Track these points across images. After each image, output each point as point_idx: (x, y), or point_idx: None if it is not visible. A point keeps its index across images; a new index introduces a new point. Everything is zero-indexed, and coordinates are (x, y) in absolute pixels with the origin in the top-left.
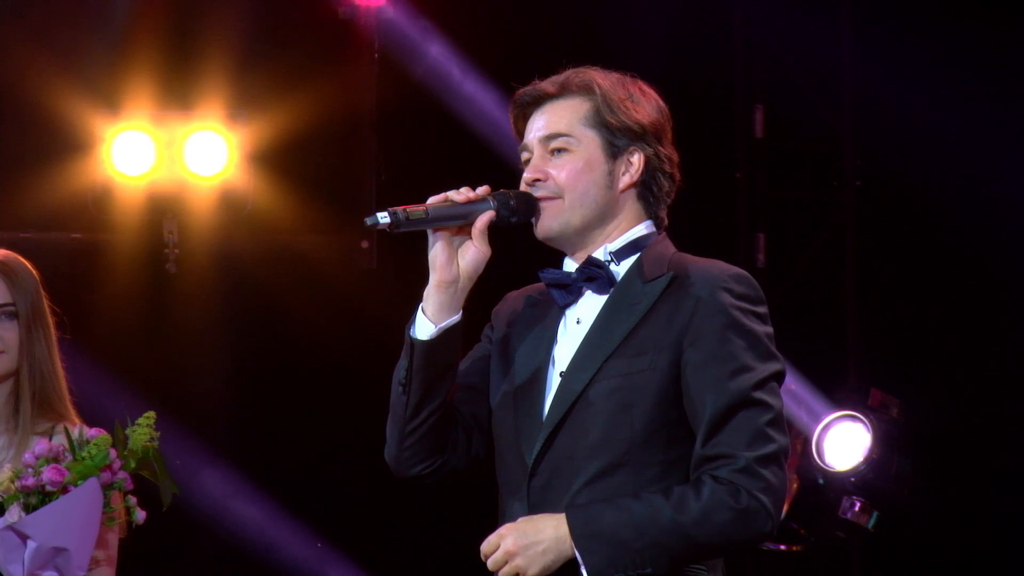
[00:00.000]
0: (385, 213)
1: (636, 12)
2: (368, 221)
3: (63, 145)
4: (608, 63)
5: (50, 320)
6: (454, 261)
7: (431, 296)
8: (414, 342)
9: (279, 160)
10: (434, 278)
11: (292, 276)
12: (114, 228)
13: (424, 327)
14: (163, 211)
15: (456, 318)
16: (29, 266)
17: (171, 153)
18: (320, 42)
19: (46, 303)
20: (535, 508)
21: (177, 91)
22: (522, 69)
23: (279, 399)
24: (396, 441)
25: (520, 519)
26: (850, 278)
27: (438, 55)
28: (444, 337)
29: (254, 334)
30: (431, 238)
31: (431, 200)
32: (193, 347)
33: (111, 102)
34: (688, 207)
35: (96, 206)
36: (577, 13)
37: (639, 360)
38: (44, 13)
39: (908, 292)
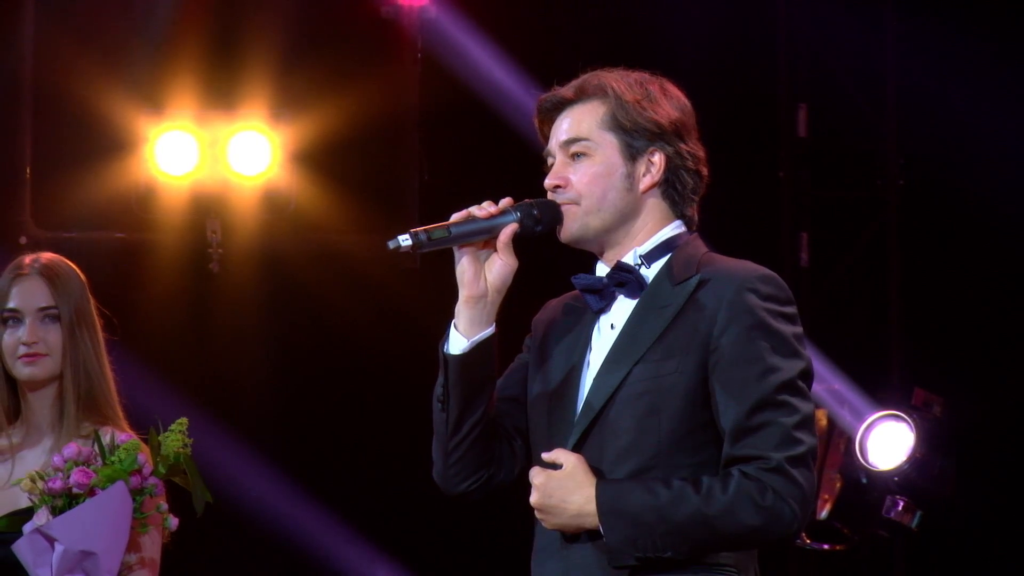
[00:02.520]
0: (406, 235)
1: (680, 11)
2: (390, 245)
3: (107, 145)
4: (651, 62)
5: (97, 323)
6: (481, 275)
7: (462, 312)
8: (448, 357)
9: (322, 160)
10: (463, 294)
11: (335, 276)
12: (158, 228)
13: (457, 342)
14: (206, 211)
15: (489, 331)
16: (75, 269)
17: (214, 153)
18: (363, 42)
19: (93, 306)
20: None
21: (220, 91)
22: (564, 68)
23: (322, 398)
24: (441, 459)
25: (555, 472)
26: (894, 277)
27: None
28: (478, 350)
29: (297, 334)
30: (457, 254)
31: (454, 217)
32: (236, 347)
33: (155, 102)
34: (731, 207)
35: (140, 206)
36: (620, 12)
37: (667, 363)
38: (89, 13)
39: (952, 291)
